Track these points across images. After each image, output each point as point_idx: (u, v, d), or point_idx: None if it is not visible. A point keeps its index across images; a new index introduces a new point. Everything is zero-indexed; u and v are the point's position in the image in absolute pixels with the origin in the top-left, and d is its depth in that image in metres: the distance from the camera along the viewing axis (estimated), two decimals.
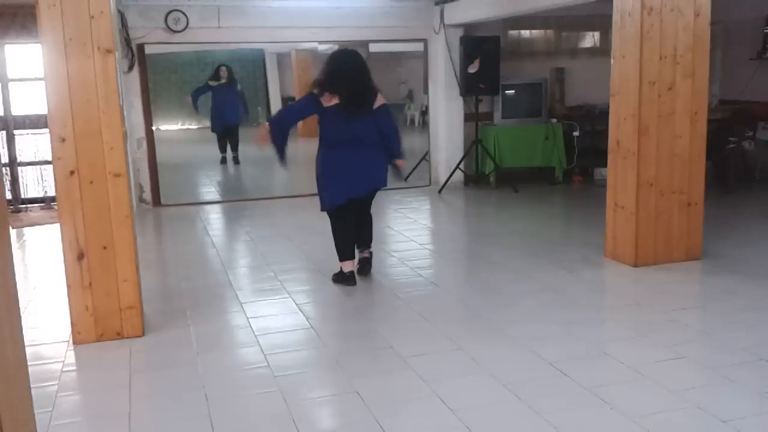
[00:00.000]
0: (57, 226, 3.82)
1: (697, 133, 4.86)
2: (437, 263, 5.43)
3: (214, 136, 11.40)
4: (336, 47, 9.36)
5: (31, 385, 1.88)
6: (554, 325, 3.89)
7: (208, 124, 12.17)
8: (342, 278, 4.74)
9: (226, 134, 11.13)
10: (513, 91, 8.27)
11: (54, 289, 4.76)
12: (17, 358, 1.72)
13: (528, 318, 4.05)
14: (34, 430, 1.89)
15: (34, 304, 4.58)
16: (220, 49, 12.90)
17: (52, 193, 7.44)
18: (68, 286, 3.78)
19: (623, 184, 4.90)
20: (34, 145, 8.08)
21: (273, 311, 4.30)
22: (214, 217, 7.39)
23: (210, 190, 9.54)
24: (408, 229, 6.38)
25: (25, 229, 6.91)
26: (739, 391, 3.05)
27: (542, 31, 8.89)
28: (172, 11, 7.38)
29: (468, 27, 8.23)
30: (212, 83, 10.99)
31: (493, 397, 3.07)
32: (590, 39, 9.12)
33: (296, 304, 4.39)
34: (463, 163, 8.32)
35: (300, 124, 6.14)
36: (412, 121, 13.27)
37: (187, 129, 16.11)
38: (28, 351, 1.98)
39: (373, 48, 11.71)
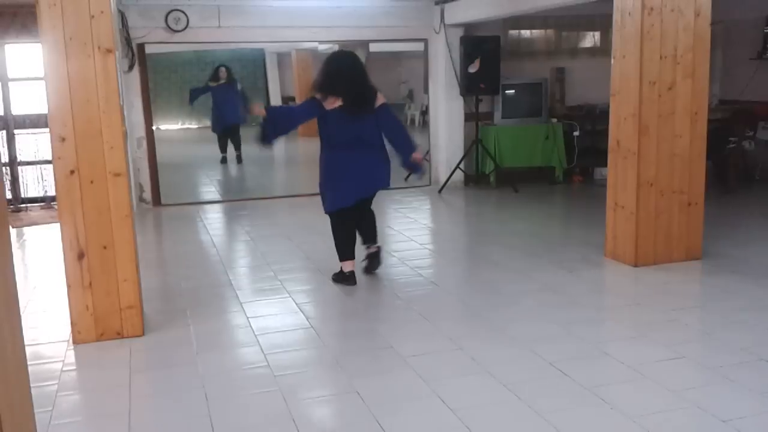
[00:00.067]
0: (57, 225, 3.82)
1: (698, 133, 4.86)
2: (437, 263, 5.43)
3: (214, 136, 11.41)
4: (336, 47, 9.41)
5: (31, 385, 1.88)
6: (554, 324, 3.89)
7: (208, 123, 12.17)
8: (342, 278, 4.74)
9: (227, 134, 11.13)
10: (513, 91, 8.26)
11: (54, 288, 4.76)
12: (17, 357, 1.72)
13: (528, 318, 4.05)
14: (34, 430, 1.89)
15: (34, 304, 4.58)
16: (221, 48, 12.90)
17: (52, 192, 7.44)
18: (68, 286, 3.78)
19: (623, 184, 4.90)
20: (34, 144, 8.09)
21: (273, 311, 4.30)
22: (214, 216, 7.39)
23: (210, 190, 9.54)
24: (408, 229, 6.38)
25: (25, 229, 6.91)
26: (739, 390, 3.05)
27: (542, 31, 8.89)
28: (172, 11, 7.38)
29: (468, 27, 8.23)
30: (212, 84, 11.00)
31: (493, 396, 3.07)
32: (590, 39, 9.12)
33: (296, 304, 4.39)
34: (463, 162, 8.32)
35: None
36: (413, 121, 13.27)
37: (187, 128, 16.13)
38: (28, 350, 1.99)
39: (374, 48, 11.72)
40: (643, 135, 4.73)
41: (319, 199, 4.82)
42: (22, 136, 8.01)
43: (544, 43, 8.94)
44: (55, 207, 4.48)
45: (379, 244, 4.94)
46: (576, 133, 8.26)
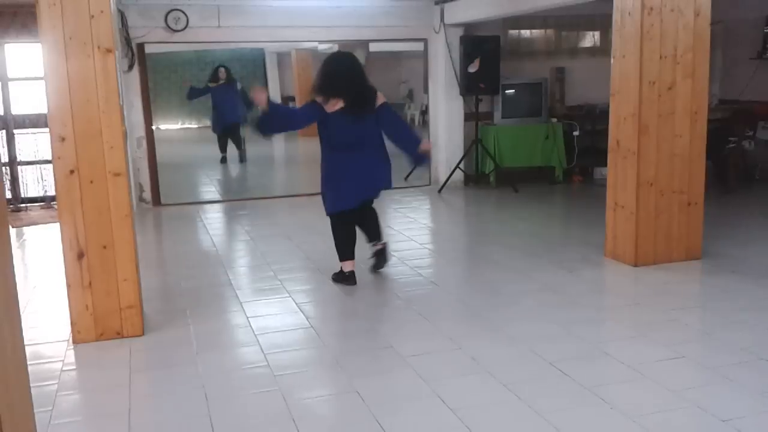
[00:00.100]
0: (57, 225, 3.82)
1: (697, 133, 4.86)
2: (437, 263, 5.43)
3: (214, 136, 11.41)
4: (336, 47, 9.42)
5: (31, 385, 1.88)
6: (554, 324, 3.89)
7: (208, 123, 12.18)
8: (342, 278, 4.74)
9: (227, 134, 11.13)
10: (513, 91, 8.26)
11: (54, 288, 4.76)
12: (17, 357, 1.72)
13: (528, 317, 4.05)
14: (34, 429, 1.89)
15: (34, 304, 4.58)
16: (220, 48, 12.93)
17: (52, 192, 7.44)
18: (68, 286, 3.78)
19: (623, 184, 4.90)
20: (34, 144, 8.09)
21: (273, 311, 4.30)
22: (214, 216, 7.39)
23: (210, 190, 9.54)
24: (408, 229, 6.38)
25: (25, 229, 6.91)
26: (739, 390, 3.05)
27: (542, 31, 8.89)
28: (172, 10, 7.38)
29: (468, 26, 8.23)
30: (211, 85, 11.00)
31: (493, 396, 3.07)
32: (590, 38, 9.12)
33: (296, 304, 4.39)
34: (463, 162, 8.32)
35: None
36: (413, 121, 13.28)
37: (187, 128, 16.14)
38: (28, 350, 1.99)
39: (374, 47, 11.74)
40: (643, 135, 4.73)
41: (319, 198, 4.81)
42: (22, 136, 8.02)
43: (543, 43, 8.94)
44: (55, 207, 4.48)
45: (384, 240, 4.92)
46: (576, 133, 8.26)
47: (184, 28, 7.45)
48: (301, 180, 10.48)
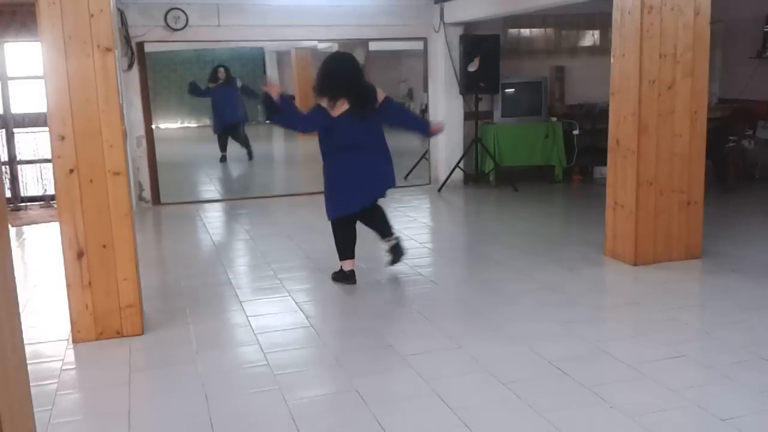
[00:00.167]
0: (56, 224, 3.82)
1: (697, 132, 4.85)
2: (437, 262, 5.43)
3: (214, 135, 11.38)
4: (335, 46, 9.41)
5: (31, 384, 1.88)
6: (554, 323, 3.89)
7: (207, 122, 12.18)
8: (342, 277, 4.74)
9: (227, 133, 11.12)
10: (513, 90, 8.26)
11: (53, 287, 4.76)
12: (17, 356, 1.71)
13: (528, 316, 4.05)
14: (34, 429, 1.89)
15: (34, 303, 4.58)
16: (220, 47, 12.92)
17: (51, 191, 7.43)
18: (68, 285, 3.78)
19: (623, 183, 4.90)
20: (33, 143, 8.08)
21: (272, 310, 4.30)
22: (214, 215, 7.39)
23: (209, 189, 9.53)
24: (407, 228, 6.38)
25: (25, 228, 6.91)
26: (739, 389, 3.05)
27: (542, 30, 8.88)
28: (171, 9, 7.38)
29: (468, 25, 8.22)
30: (211, 85, 10.98)
31: (492, 395, 3.07)
32: (590, 37, 9.11)
33: (296, 303, 4.39)
34: (462, 161, 8.32)
35: None
36: None
37: (187, 127, 16.14)
38: (28, 349, 1.98)
39: (373, 46, 11.73)
40: (643, 134, 4.73)
41: (318, 197, 4.80)
42: (21, 135, 8.01)
43: (543, 42, 8.94)
44: (55, 206, 4.48)
45: (396, 235, 4.88)
46: (575, 132, 8.26)
47: (184, 27, 7.45)
48: (301, 179, 10.48)
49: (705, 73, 4.82)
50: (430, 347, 3.62)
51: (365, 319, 4.17)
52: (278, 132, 15.41)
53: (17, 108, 7.84)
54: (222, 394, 3.16)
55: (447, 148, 8.47)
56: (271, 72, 16.00)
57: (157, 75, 14.38)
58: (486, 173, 8.30)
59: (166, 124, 15.70)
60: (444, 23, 8.15)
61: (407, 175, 8.37)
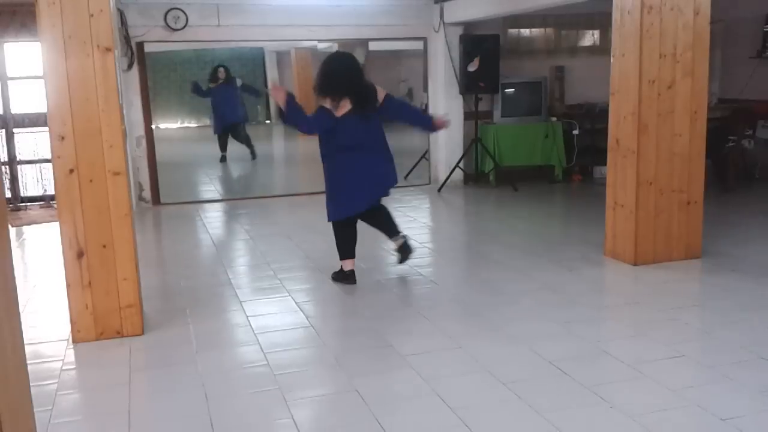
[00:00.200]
0: (56, 224, 3.82)
1: (697, 132, 4.86)
2: (437, 262, 5.43)
3: (213, 135, 11.38)
4: (335, 46, 9.41)
5: (31, 384, 1.88)
6: (554, 323, 3.89)
7: (207, 122, 12.18)
8: (342, 277, 4.74)
9: (227, 133, 11.11)
10: (513, 90, 8.26)
11: (53, 287, 4.76)
12: (17, 356, 1.71)
13: (528, 316, 4.05)
14: (34, 429, 1.89)
15: (34, 303, 4.58)
16: (220, 47, 12.93)
17: (51, 191, 7.43)
18: (68, 285, 3.78)
19: (623, 183, 4.90)
20: (33, 143, 8.08)
21: (272, 310, 4.30)
22: (214, 215, 7.39)
23: (209, 189, 9.53)
24: (407, 228, 6.35)
25: (25, 228, 6.91)
26: (739, 389, 3.05)
27: (542, 30, 8.88)
28: (171, 9, 7.38)
29: (467, 25, 8.22)
30: (211, 85, 10.98)
31: (492, 395, 3.07)
32: (590, 37, 9.11)
33: (296, 303, 4.39)
34: (462, 161, 8.32)
35: None
36: None
37: (187, 127, 16.14)
38: (28, 350, 1.98)
39: (373, 46, 11.74)
40: (643, 134, 4.73)
41: (318, 197, 4.80)
42: (21, 135, 8.01)
43: (543, 42, 8.94)
44: (55, 206, 4.48)
45: (404, 233, 4.87)
46: (575, 132, 8.26)
47: (184, 26, 7.45)
48: (301, 179, 10.49)
49: (705, 73, 4.82)
50: (430, 347, 3.62)
51: (365, 319, 4.17)
52: (278, 132, 15.43)
53: (17, 108, 7.84)
54: (222, 394, 3.16)
55: (447, 148, 8.48)
56: (271, 72, 16.01)
57: (157, 75, 14.39)
58: (486, 173, 8.30)
59: (166, 124, 15.70)
60: (444, 23, 8.15)
61: (407, 175, 8.37)
